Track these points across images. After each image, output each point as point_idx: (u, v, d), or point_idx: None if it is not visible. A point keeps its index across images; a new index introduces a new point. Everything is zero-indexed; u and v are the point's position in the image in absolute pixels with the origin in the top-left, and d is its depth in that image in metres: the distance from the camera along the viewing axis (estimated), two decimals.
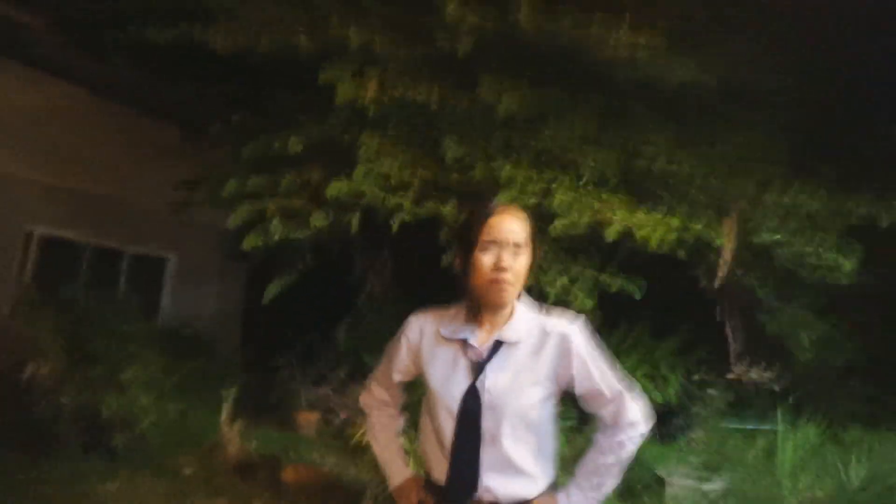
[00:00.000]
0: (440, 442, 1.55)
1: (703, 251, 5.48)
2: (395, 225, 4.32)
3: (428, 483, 1.62)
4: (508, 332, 1.59)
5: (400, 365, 1.71)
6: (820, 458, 5.62)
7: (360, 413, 1.96)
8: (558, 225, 4.27)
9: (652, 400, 6.85)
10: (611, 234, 4.25)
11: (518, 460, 1.51)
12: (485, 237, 1.55)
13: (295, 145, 4.34)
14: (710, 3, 5.52)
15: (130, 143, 7.75)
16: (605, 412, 1.63)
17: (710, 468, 5.65)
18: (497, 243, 1.54)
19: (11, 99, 6.81)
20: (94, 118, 7.48)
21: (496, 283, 1.53)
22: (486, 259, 1.54)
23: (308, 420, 6.55)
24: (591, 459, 1.62)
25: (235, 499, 4.32)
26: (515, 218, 1.59)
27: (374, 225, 4.96)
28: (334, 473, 5.08)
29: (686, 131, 6.02)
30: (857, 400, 8.03)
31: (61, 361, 4.99)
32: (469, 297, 1.61)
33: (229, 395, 5.10)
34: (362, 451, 5.14)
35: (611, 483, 1.62)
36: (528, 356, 1.57)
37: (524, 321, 1.62)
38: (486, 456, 1.51)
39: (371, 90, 4.37)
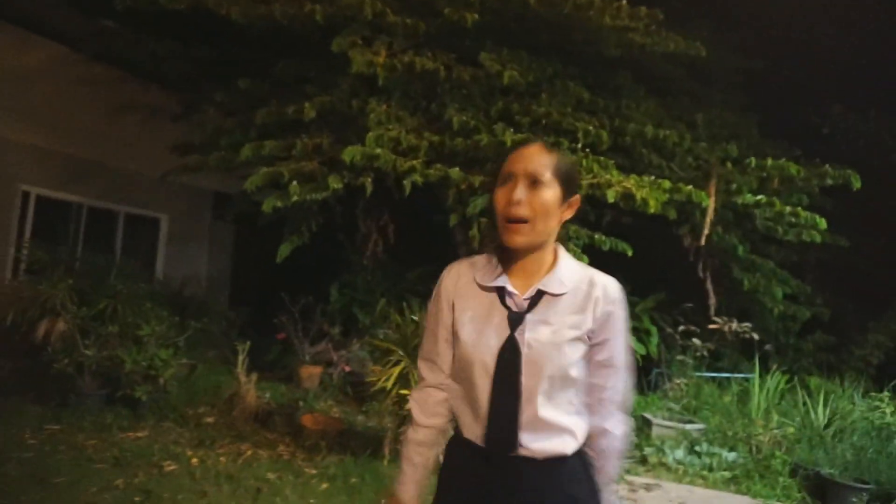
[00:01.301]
0: (474, 399, 1.40)
1: (689, 212, 5.86)
2: (407, 186, 4.54)
3: (459, 439, 1.46)
4: (552, 281, 1.39)
5: (445, 320, 1.48)
6: (788, 401, 6.16)
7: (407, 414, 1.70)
8: None
9: (635, 352, 7.36)
10: (611, 196, 4.54)
11: (556, 418, 1.37)
12: (503, 171, 1.39)
13: (309, 111, 4.50)
14: None
15: (125, 106, 7.72)
16: (604, 393, 1.44)
17: (691, 411, 6.14)
18: (513, 175, 1.36)
19: (4, 61, 6.74)
20: (90, 81, 7.42)
21: (509, 218, 1.34)
22: (501, 193, 1.37)
23: (311, 374, 6.84)
24: (601, 470, 1.48)
25: (260, 444, 4.61)
26: (536, 150, 1.38)
27: (381, 187, 5.17)
28: (348, 420, 5.42)
29: (670, 103, 6.36)
30: (820, 350, 8.71)
31: (75, 319, 5.16)
32: (499, 244, 1.42)
33: (244, 350, 5.35)
34: (368, 401, 5.49)
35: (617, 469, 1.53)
36: (573, 309, 1.39)
37: (570, 271, 1.43)
38: (524, 414, 1.35)
39: (382, 58, 4.53)
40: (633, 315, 7.97)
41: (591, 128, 5.08)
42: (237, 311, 8.32)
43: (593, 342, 1.41)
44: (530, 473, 1.37)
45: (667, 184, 4.95)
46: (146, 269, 8.32)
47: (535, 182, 1.35)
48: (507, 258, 1.43)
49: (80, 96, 7.41)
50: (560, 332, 1.37)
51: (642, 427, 5.59)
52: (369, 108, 4.76)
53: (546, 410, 1.36)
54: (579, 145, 5.08)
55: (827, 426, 5.42)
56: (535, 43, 5.54)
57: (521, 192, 1.34)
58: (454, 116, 4.90)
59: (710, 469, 4.76)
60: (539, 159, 1.37)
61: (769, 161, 5.30)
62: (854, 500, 4.20)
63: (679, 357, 6.56)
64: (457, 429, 1.49)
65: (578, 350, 1.39)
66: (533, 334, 1.36)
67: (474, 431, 1.41)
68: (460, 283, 1.47)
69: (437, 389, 1.52)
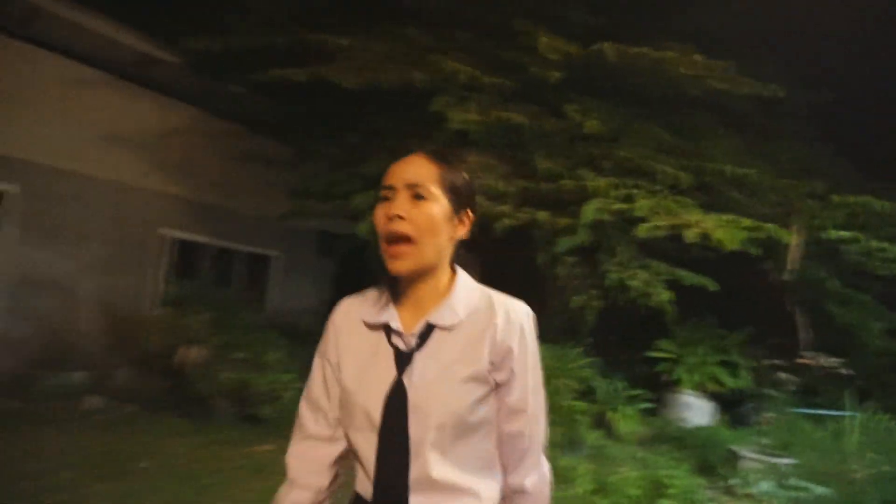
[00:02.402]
0: (360, 453, 1.19)
1: (773, 247, 5.97)
2: (499, 229, 5.03)
3: (357, 500, 1.23)
4: (444, 311, 1.20)
5: (331, 360, 1.27)
6: (887, 439, 6.03)
7: None
8: (643, 228, 4.89)
9: (725, 385, 7.38)
10: (690, 236, 4.82)
11: (452, 478, 1.15)
12: (383, 184, 1.21)
13: None
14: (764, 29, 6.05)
15: (243, 156, 8.76)
16: (519, 444, 1.24)
17: (781, 446, 6.14)
18: (392, 188, 1.19)
19: (147, 122, 7.90)
20: (215, 136, 8.53)
21: (388, 236, 1.17)
22: (380, 210, 1.20)
23: None
24: None
25: None
26: (418, 160, 1.21)
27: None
28: None
29: (751, 140, 6.52)
30: None
31: (208, 347, 5.98)
32: (386, 272, 1.22)
33: None
34: None
35: None
36: (468, 341, 1.19)
37: (466, 298, 1.23)
38: (413, 472, 1.14)
39: (474, 115, 5.09)
40: (722, 349, 8.02)
41: (669, 169, 5.38)
42: None
43: (497, 379, 1.19)
44: None
45: (747, 222, 5.15)
46: (259, 301, 9.28)
47: (417, 195, 1.17)
48: (397, 288, 1.24)
49: (207, 149, 8.50)
50: (451, 369, 1.16)
51: (729, 459, 5.68)
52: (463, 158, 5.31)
53: (439, 468, 1.14)
54: (658, 188, 5.40)
55: None
56: (615, 89, 5.95)
57: (400, 205, 1.16)
58: (540, 163, 5.37)
59: (798, 502, 4.82)
60: (422, 170, 1.19)
61: (852, 198, 5.38)
62: None
63: (769, 391, 6.55)
64: (355, 488, 1.25)
65: (477, 391, 1.17)
66: (421, 374, 1.16)
67: (366, 490, 1.19)
68: (347, 319, 1.28)
69: (322, 442, 1.27)
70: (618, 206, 5.03)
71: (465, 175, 1.26)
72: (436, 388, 1.16)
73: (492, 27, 5.86)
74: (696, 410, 7.87)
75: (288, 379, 5.79)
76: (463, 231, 1.26)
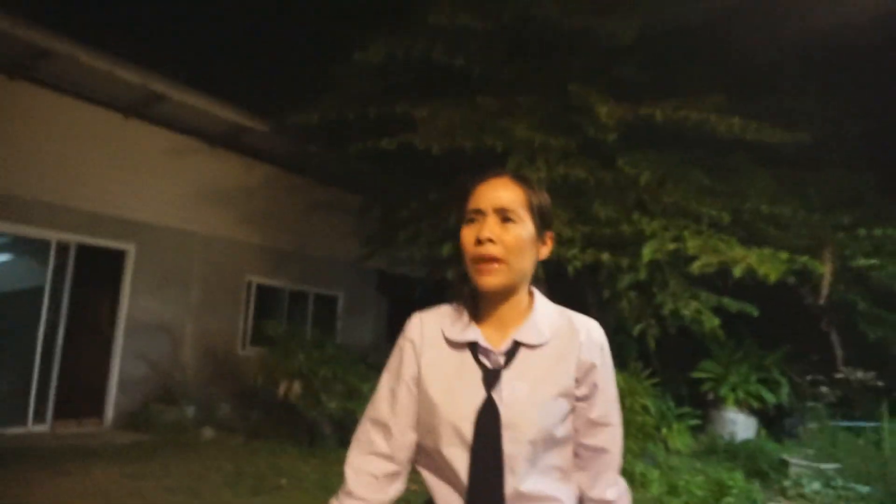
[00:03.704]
0: (447, 472, 1.20)
1: (808, 275, 6.72)
2: (571, 269, 5.85)
3: None
4: (529, 330, 1.24)
5: (407, 377, 1.28)
6: None
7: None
8: (696, 266, 5.69)
9: (766, 401, 8.07)
10: (737, 272, 5.60)
11: (542, 490, 1.19)
12: (468, 207, 1.24)
13: None
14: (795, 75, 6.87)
15: (314, 206, 9.75)
16: (603, 458, 1.27)
17: (824, 454, 6.79)
18: (480, 212, 1.22)
19: (233, 181, 8.90)
20: (293, 192, 9.54)
21: (479, 257, 1.20)
22: (468, 232, 1.23)
23: None
24: None
25: None
26: (504, 183, 1.24)
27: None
28: None
29: (784, 175, 7.30)
30: None
31: (314, 380, 6.82)
32: (469, 290, 1.27)
33: None
34: None
35: None
36: (554, 360, 1.23)
37: (547, 317, 1.28)
38: (508, 485, 1.17)
39: (543, 172, 5.97)
40: (762, 367, 8.71)
41: (713, 212, 6.18)
42: None
43: (579, 396, 1.23)
44: None
45: (784, 255, 5.92)
46: (328, 338, 10.15)
47: (505, 218, 1.21)
48: (479, 306, 1.27)
49: (282, 202, 9.48)
50: (541, 388, 1.20)
51: (778, 466, 6.36)
52: None
53: (530, 481, 1.18)
54: (703, 226, 6.21)
55: None
56: (660, 140, 6.78)
57: (490, 228, 1.20)
58: (598, 210, 6.21)
59: (846, 500, 5.50)
60: (508, 192, 1.23)
61: (878, 230, 6.14)
62: None
63: (810, 404, 7.23)
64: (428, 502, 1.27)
65: (563, 407, 1.21)
66: (511, 393, 1.18)
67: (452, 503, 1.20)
68: (426, 335, 1.29)
69: (384, 460, 1.26)
70: (671, 245, 5.84)
71: (547, 197, 1.30)
72: (527, 406, 1.18)
73: (550, 90, 6.76)
74: (739, 425, 8.53)
75: None
76: (546, 252, 1.29)
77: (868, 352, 7.89)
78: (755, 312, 6.31)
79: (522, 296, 1.27)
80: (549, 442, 1.20)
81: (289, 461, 6.08)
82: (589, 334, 1.27)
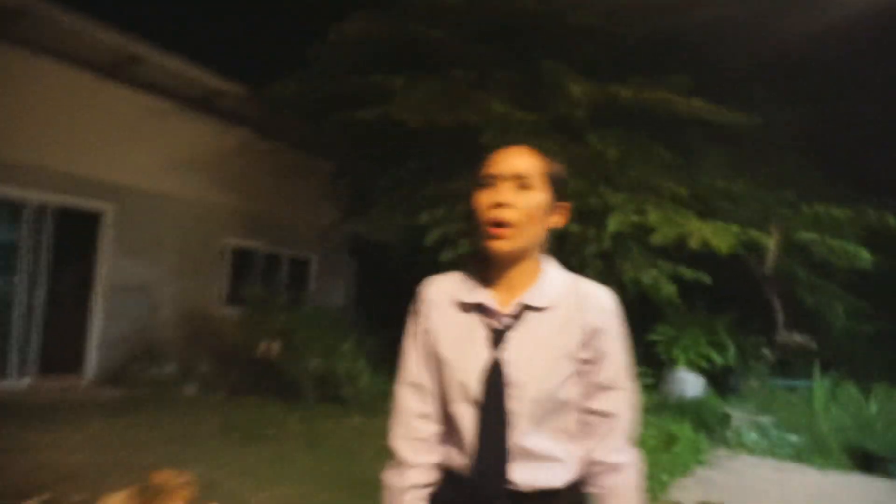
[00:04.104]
0: (456, 427, 1.26)
1: (755, 247, 7.29)
2: None
3: (448, 475, 1.30)
4: (536, 294, 1.27)
5: (422, 336, 1.34)
6: (847, 400, 7.45)
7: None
8: (656, 237, 6.17)
9: (714, 361, 8.79)
10: (693, 243, 6.10)
11: (544, 447, 1.23)
12: (485, 172, 1.27)
13: (468, 185, 6.28)
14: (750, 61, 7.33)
15: (289, 171, 9.88)
16: (609, 422, 1.29)
17: (763, 409, 7.52)
18: (496, 177, 1.25)
19: (209, 145, 8.95)
20: (267, 157, 9.63)
21: (493, 222, 1.22)
22: (484, 196, 1.26)
23: None
24: None
25: None
26: (523, 151, 1.28)
27: None
28: None
29: (737, 157, 7.82)
30: (887, 362, 9.78)
31: (294, 340, 7.13)
32: (481, 253, 1.30)
33: None
34: None
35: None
36: (559, 323, 1.26)
37: (555, 283, 1.31)
38: (511, 441, 1.21)
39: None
40: (711, 331, 9.39)
41: (672, 185, 6.65)
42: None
43: (586, 359, 1.27)
44: None
45: (735, 227, 6.44)
46: (301, 300, 10.40)
47: (522, 184, 1.24)
48: (489, 270, 1.30)
49: (257, 165, 9.58)
50: (545, 349, 1.24)
51: (722, 419, 7.03)
52: None
53: (533, 438, 1.22)
54: (663, 201, 6.67)
55: (877, 418, 6.71)
56: (626, 117, 7.17)
57: (507, 193, 1.23)
58: (569, 184, 6.59)
59: (779, 447, 6.19)
60: (527, 160, 1.26)
61: (819, 207, 6.72)
62: (891, 467, 5.56)
63: (752, 364, 7.93)
64: (443, 463, 1.31)
65: (567, 369, 1.25)
66: (516, 353, 1.23)
67: (460, 464, 1.26)
68: (437, 298, 1.34)
69: (426, 421, 1.31)
70: (634, 217, 6.29)
71: (563, 169, 1.32)
72: (530, 366, 1.22)
73: (521, 67, 7.06)
74: (689, 384, 9.23)
75: (362, 365, 6.99)
76: (557, 220, 1.31)
77: (805, 317, 8.62)
78: (708, 280, 6.86)
79: (532, 261, 1.30)
80: (553, 402, 1.23)
81: (273, 415, 6.43)
82: (597, 300, 1.30)
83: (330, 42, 6.77)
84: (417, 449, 1.30)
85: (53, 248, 7.19)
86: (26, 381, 6.98)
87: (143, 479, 2.15)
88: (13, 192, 6.82)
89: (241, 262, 9.71)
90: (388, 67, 7.00)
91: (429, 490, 1.30)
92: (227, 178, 9.23)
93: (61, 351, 7.39)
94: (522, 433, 1.22)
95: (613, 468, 1.28)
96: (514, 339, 1.25)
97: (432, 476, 1.31)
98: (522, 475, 1.21)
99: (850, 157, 8.68)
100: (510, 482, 1.21)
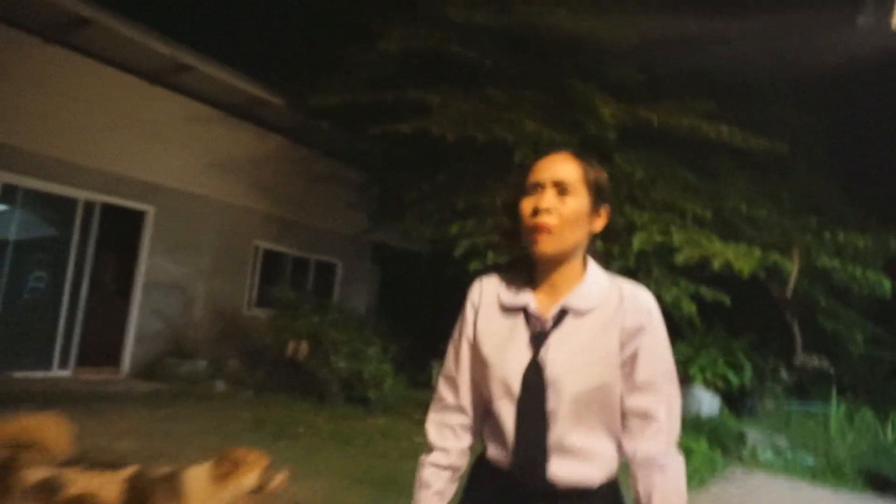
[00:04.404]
0: (498, 423, 1.32)
1: (777, 271, 7.44)
2: None
3: (486, 464, 1.37)
4: (577, 297, 1.31)
5: (468, 336, 1.40)
6: (864, 425, 7.53)
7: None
8: (680, 257, 6.35)
9: (731, 382, 8.92)
10: (717, 265, 6.26)
11: (582, 444, 1.27)
12: (529, 180, 1.33)
13: (499, 200, 6.54)
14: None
15: (319, 178, 10.20)
16: (650, 422, 1.29)
17: (778, 429, 7.62)
18: (539, 185, 1.31)
19: (245, 150, 9.30)
20: (299, 164, 9.98)
21: (535, 227, 1.27)
22: (527, 202, 1.32)
23: None
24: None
25: None
26: (563, 158, 1.34)
27: None
28: None
29: (761, 179, 7.97)
30: None
31: (323, 342, 7.39)
32: (526, 257, 1.37)
33: (437, 365, 7.38)
34: None
35: None
36: (600, 325, 1.30)
37: (597, 286, 1.33)
38: (551, 437, 1.26)
39: None
40: (729, 351, 9.50)
41: (697, 209, 6.82)
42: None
43: (625, 358, 1.29)
44: None
45: (757, 252, 6.60)
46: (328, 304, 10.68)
47: (562, 190, 1.30)
48: (534, 273, 1.36)
49: (289, 172, 9.93)
50: (586, 350, 1.28)
51: (738, 439, 7.15)
52: None
53: (572, 435, 1.26)
54: (687, 222, 6.85)
55: (895, 445, 6.80)
56: (652, 139, 7.38)
57: (548, 199, 1.28)
58: None
59: (793, 467, 6.31)
60: (567, 167, 1.32)
61: (841, 235, 6.85)
62: None
63: (769, 386, 8.04)
64: (483, 453, 1.39)
65: (607, 369, 1.28)
66: (556, 354, 1.28)
67: (501, 458, 1.32)
68: (484, 299, 1.40)
69: (457, 412, 1.41)
70: (659, 237, 6.48)
71: (604, 174, 1.37)
72: (570, 367, 1.25)
73: (552, 87, 7.30)
74: (705, 403, 9.33)
75: (387, 369, 7.23)
76: (600, 224, 1.36)
77: (823, 342, 8.71)
78: (727, 301, 7.01)
79: (575, 264, 1.34)
80: (592, 401, 1.26)
81: (301, 413, 6.68)
82: (636, 300, 1.31)
83: (370, 50, 7.07)
84: (445, 435, 1.39)
85: (98, 244, 7.54)
86: (68, 372, 7.31)
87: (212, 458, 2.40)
88: (66, 189, 7.19)
89: (271, 264, 10.03)
90: (423, 80, 7.28)
91: (451, 473, 1.39)
92: (261, 183, 9.57)
93: (101, 344, 7.72)
94: (562, 431, 1.26)
95: (654, 469, 1.28)
96: (554, 341, 1.29)
97: (456, 461, 1.39)
98: (560, 471, 1.25)
99: (878, 183, 8.80)
100: (548, 478, 1.25)
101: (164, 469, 2.29)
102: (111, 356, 7.87)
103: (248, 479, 2.35)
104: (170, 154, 8.24)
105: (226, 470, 2.27)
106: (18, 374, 6.86)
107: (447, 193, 7.20)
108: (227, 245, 9.21)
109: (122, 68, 7.55)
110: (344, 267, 11.52)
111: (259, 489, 2.38)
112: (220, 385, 7.77)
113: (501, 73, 7.39)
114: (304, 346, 7.69)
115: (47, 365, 7.16)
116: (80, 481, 2.12)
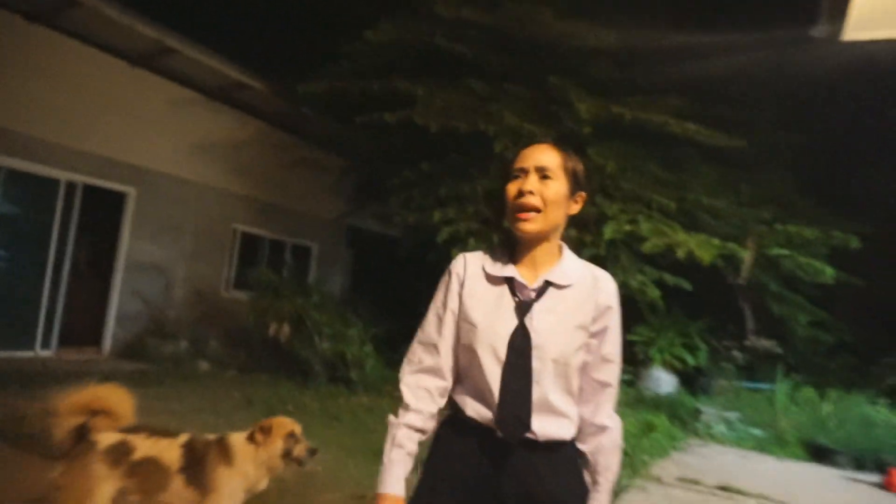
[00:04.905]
0: (482, 384, 1.42)
1: (732, 259, 8.02)
2: None
3: (460, 424, 1.46)
4: (558, 274, 1.46)
5: (452, 306, 1.49)
6: (806, 401, 8.24)
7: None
8: (647, 246, 6.84)
9: (687, 362, 9.59)
10: (680, 253, 6.77)
11: (559, 403, 1.41)
12: (514, 166, 1.47)
13: (479, 188, 6.90)
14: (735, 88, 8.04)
15: (297, 163, 10.34)
16: (606, 390, 1.48)
17: (729, 406, 8.27)
18: (523, 170, 1.44)
19: (225, 134, 9.37)
20: (278, 148, 10.09)
21: (520, 207, 1.42)
22: (513, 186, 1.45)
23: None
24: (606, 467, 1.48)
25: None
26: (545, 148, 1.48)
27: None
28: None
29: (724, 175, 8.52)
30: (843, 369, 10.65)
31: (307, 323, 7.63)
32: (508, 236, 1.50)
33: None
34: None
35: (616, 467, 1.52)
36: (577, 300, 1.45)
37: (573, 266, 1.50)
38: (535, 395, 1.38)
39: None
40: (686, 333, 10.14)
41: (663, 200, 7.31)
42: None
43: (593, 332, 1.45)
44: (531, 457, 1.40)
45: (716, 241, 7.14)
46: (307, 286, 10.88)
47: (544, 175, 1.42)
48: (516, 250, 1.48)
49: (268, 156, 10.04)
50: (564, 320, 1.42)
51: (693, 414, 7.76)
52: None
53: (553, 394, 1.40)
54: (653, 213, 7.34)
55: (830, 416, 7.51)
56: (623, 133, 7.79)
57: (532, 183, 1.41)
58: None
59: (743, 439, 6.93)
60: (548, 155, 1.45)
61: (791, 227, 7.46)
62: (839, 459, 6.34)
63: (723, 366, 8.69)
64: (454, 414, 1.49)
65: (580, 338, 1.43)
66: (539, 322, 1.41)
67: (483, 415, 1.42)
68: (469, 271, 1.50)
69: (433, 375, 1.49)
70: (627, 227, 6.95)
71: (581, 164, 1.51)
72: (551, 332, 1.40)
73: (533, 81, 7.64)
74: (664, 382, 9.97)
75: (368, 350, 7.54)
76: (576, 208, 1.51)
77: (772, 325, 9.42)
78: (688, 286, 7.57)
79: (554, 244, 1.50)
80: (567, 366, 1.41)
81: (288, 392, 6.95)
82: (607, 284, 1.49)
83: (360, 41, 7.28)
84: (421, 396, 1.47)
85: (80, 225, 7.58)
86: (50, 352, 7.38)
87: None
88: (48, 170, 7.20)
89: (249, 247, 10.16)
90: (410, 71, 7.53)
91: (421, 435, 1.47)
92: (241, 166, 9.67)
93: (83, 324, 7.80)
94: (545, 390, 1.39)
95: (604, 430, 1.47)
96: (537, 309, 1.42)
97: (427, 424, 1.47)
98: (542, 425, 1.38)
99: (831, 179, 9.49)
100: (531, 431, 1.38)
101: (212, 436, 2.59)
102: (93, 336, 7.95)
103: (278, 444, 2.68)
104: (152, 137, 8.28)
105: (261, 435, 2.59)
106: (1, 354, 6.91)
107: (431, 182, 7.50)
108: (207, 227, 9.30)
109: (107, 50, 7.54)
110: (319, 249, 11.71)
111: (287, 454, 2.71)
112: (204, 365, 7.95)
113: (486, 67, 7.69)
114: (286, 328, 7.93)
115: (30, 345, 7.22)
116: (144, 446, 2.41)
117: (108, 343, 8.04)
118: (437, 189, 7.29)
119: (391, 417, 1.48)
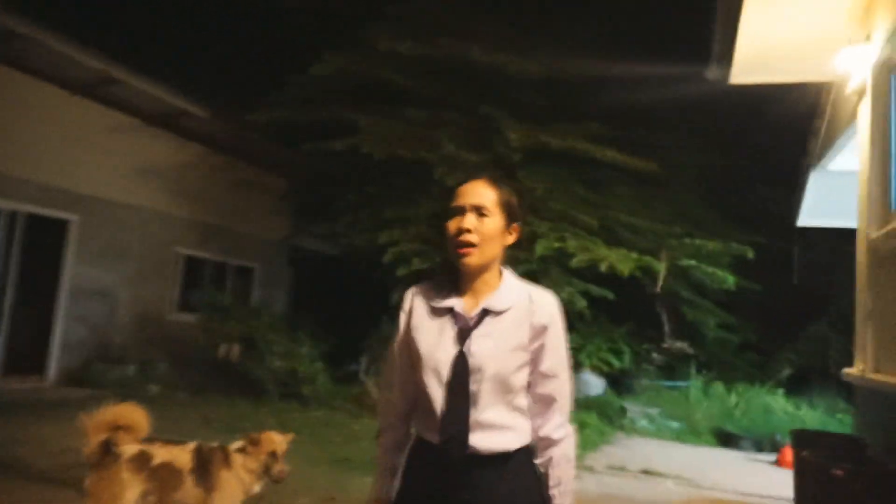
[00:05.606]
0: (429, 405, 1.54)
1: (649, 270, 8.92)
2: None
3: (420, 443, 1.60)
4: (495, 300, 1.55)
5: (403, 336, 1.63)
6: (716, 395, 9.24)
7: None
8: (574, 261, 7.58)
9: (613, 365, 10.50)
10: (603, 267, 7.55)
11: (499, 419, 1.51)
12: (454, 203, 1.56)
13: (422, 211, 7.44)
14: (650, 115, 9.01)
15: (239, 185, 10.56)
16: (551, 404, 1.56)
17: (651, 402, 9.17)
18: (461, 208, 1.54)
19: (165, 158, 9.50)
20: (219, 171, 10.27)
21: (459, 244, 1.51)
22: (452, 223, 1.54)
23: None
24: (558, 479, 1.56)
25: None
26: (481, 185, 1.56)
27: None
28: None
29: (642, 194, 9.44)
30: (749, 365, 11.86)
31: (257, 343, 7.90)
32: (451, 269, 1.59)
33: (364, 362, 8.14)
34: None
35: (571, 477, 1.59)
36: (514, 323, 1.54)
37: (510, 290, 1.58)
38: (473, 415, 1.49)
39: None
40: (611, 339, 11.04)
41: (587, 219, 8.09)
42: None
43: (532, 350, 1.53)
44: (478, 469, 1.50)
45: (635, 255, 7.98)
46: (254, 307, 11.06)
47: (481, 213, 1.52)
48: (459, 281, 1.59)
49: (210, 178, 10.22)
50: (501, 343, 1.51)
51: (620, 412, 8.58)
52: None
53: (489, 413, 1.49)
54: (578, 230, 8.12)
55: (736, 407, 8.51)
56: (550, 157, 8.55)
57: (469, 221, 1.51)
58: None
59: (663, 430, 7.78)
60: (484, 193, 1.55)
61: (696, 240, 8.42)
62: (743, 443, 7.28)
63: (644, 367, 9.60)
64: (418, 434, 1.61)
65: (519, 359, 1.52)
66: (478, 346, 1.51)
67: (432, 434, 1.53)
68: (415, 305, 1.63)
69: (395, 401, 1.65)
70: (556, 244, 7.68)
71: (515, 196, 1.62)
72: (488, 356, 1.50)
73: (467, 109, 8.29)
74: (592, 385, 10.80)
75: (318, 366, 7.91)
76: (511, 239, 1.62)
77: (685, 329, 10.45)
78: (612, 296, 8.38)
79: (493, 272, 1.58)
80: (507, 385, 1.50)
81: (243, 410, 7.22)
82: (542, 304, 1.57)
83: (303, 76, 7.71)
84: (389, 420, 1.67)
85: (22, 253, 7.57)
86: None
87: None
88: None
89: (192, 269, 10.26)
90: (353, 100, 8.02)
91: (401, 448, 1.65)
92: (183, 190, 9.81)
93: (26, 352, 7.75)
94: (481, 409, 1.49)
95: (554, 442, 1.55)
96: (476, 335, 1.52)
97: (403, 439, 1.65)
98: (481, 441, 1.48)
99: (730, 197, 10.66)
100: (471, 447, 1.47)
101: (213, 444, 3.01)
102: (37, 364, 7.90)
103: (262, 458, 3.07)
104: (94, 163, 8.34)
105: (251, 447, 3.02)
106: None
107: (376, 204, 7.99)
108: (151, 252, 9.38)
109: (48, 80, 7.61)
110: (261, 270, 11.90)
111: (266, 469, 3.05)
112: (154, 388, 8.05)
113: (424, 96, 8.28)
114: (236, 348, 8.18)
115: None
116: (161, 453, 2.79)
117: (52, 370, 8.00)
118: (382, 211, 7.78)
119: (378, 439, 1.70)
